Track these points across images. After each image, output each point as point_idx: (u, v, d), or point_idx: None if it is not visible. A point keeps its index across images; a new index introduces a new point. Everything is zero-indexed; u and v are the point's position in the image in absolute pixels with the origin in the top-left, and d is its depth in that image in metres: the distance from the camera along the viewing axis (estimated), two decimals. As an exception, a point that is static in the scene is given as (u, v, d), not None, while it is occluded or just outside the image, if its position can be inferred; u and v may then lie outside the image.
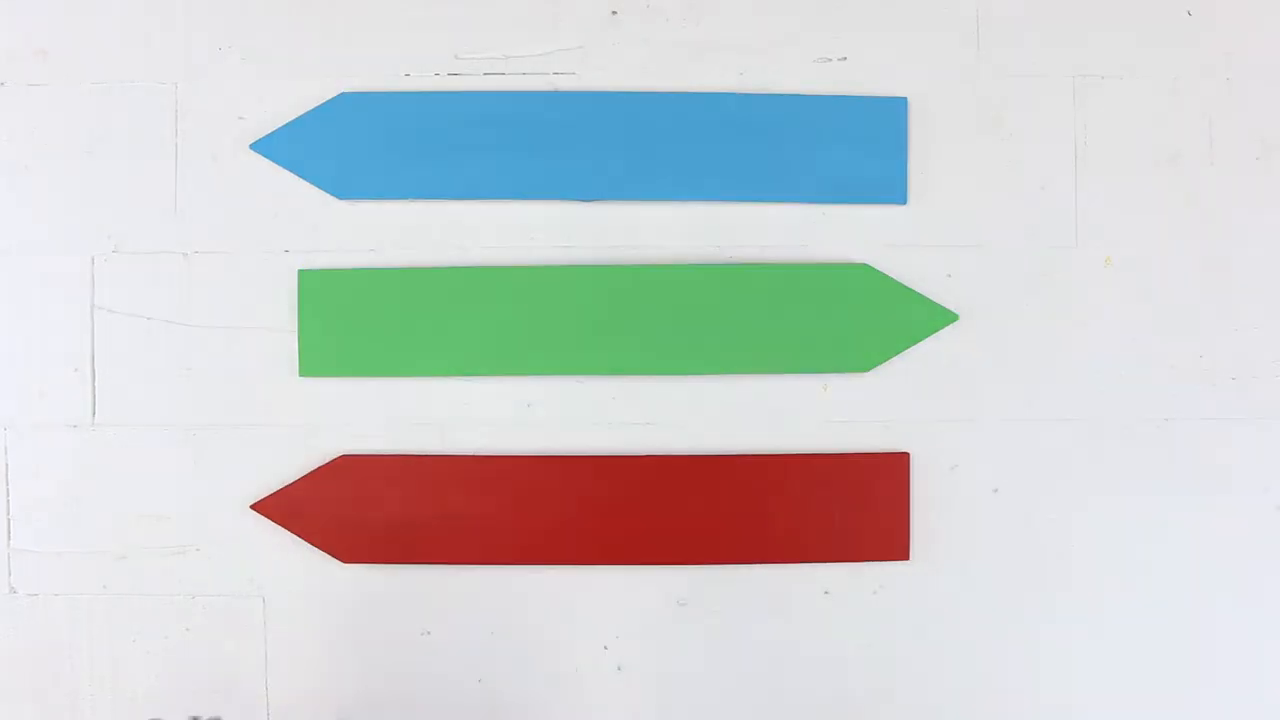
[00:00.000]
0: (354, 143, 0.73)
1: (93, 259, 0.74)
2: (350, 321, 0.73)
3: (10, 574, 0.74)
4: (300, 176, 0.74)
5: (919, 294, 0.74)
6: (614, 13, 0.74)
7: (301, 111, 0.73)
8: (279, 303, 0.74)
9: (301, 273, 0.73)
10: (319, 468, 0.73)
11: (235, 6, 0.74)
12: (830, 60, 0.74)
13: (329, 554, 0.73)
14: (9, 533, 0.74)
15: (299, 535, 0.73)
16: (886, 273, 0.74)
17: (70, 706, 0.74)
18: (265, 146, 0.73)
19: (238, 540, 0.74)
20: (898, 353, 0.74)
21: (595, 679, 0.74)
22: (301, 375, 0.74)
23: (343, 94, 0.73)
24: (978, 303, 0.74)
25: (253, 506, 0.73)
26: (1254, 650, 0.75)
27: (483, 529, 0.74)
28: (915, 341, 0.74)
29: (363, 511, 0.73)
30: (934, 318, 0.74)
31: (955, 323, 0.74)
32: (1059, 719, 0.75)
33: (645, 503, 0.74)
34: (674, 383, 0.74)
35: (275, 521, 0.73)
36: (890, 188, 0.74)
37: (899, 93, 0.74)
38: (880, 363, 0.74)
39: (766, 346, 0.73)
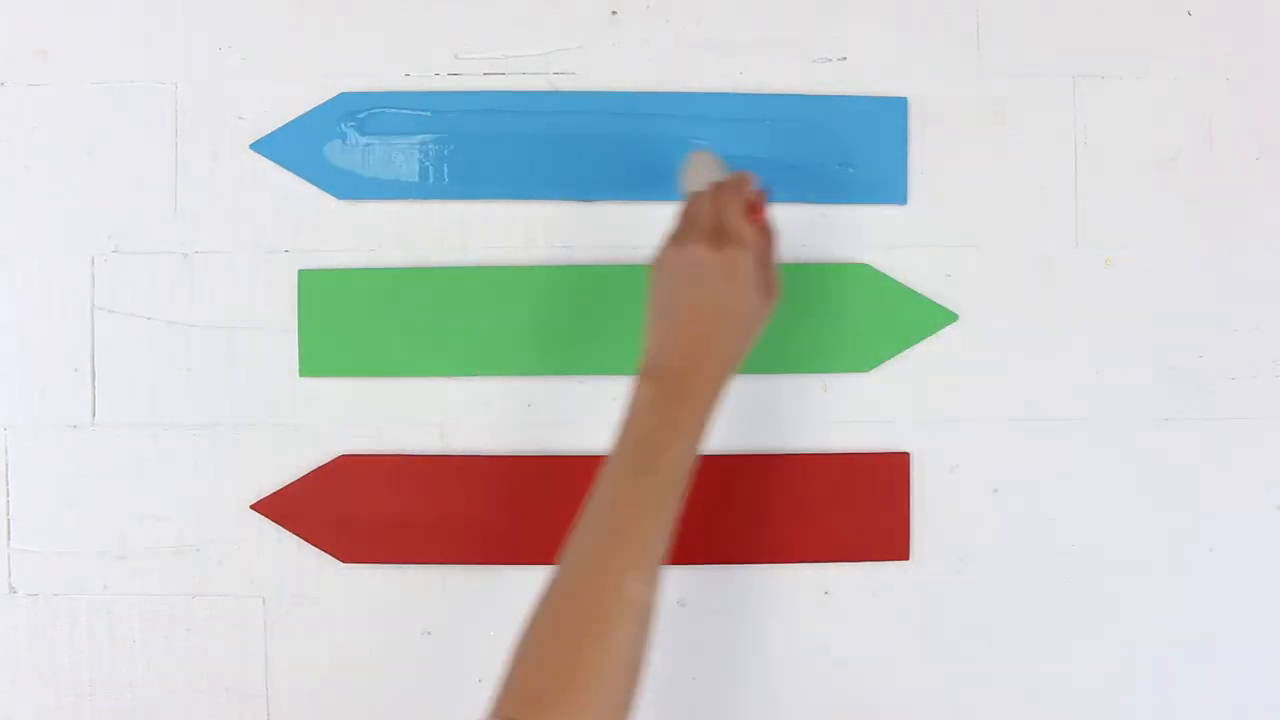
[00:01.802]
0: (354, 143, 0.73)
1: (93, 259, 0.74)
2: (350, 321, 0.73)
3: (10, 574, 0.74)
4: (300, 176, 0.74)
5: (919, 294, 0.74)
6: (614, 13, 0.74)
7: (301, 111, 0.73)
8: (279, 303, 0.74)
9: (301, 273, 0.73)
10: (319, 468, 0.73)
11: (235, 6, 0.74)
12: (830, 60, 0.74)
13: (329, 554, 0.73)
14: (9, 533, 0.74)
15: (299, 535, 0.73)
16: (886, 273, 0.74)
17: (70, 706, 0.74)
18: (265, 146, 0.73)
19: (238, 540, 0.74)
20: (898, 353, 0.74)
21: (595, 679, 0.74)
22: (301, 375, 0.74)
23: (343, 94, 0.73)
24: (978, 303, 0.74)
25: (253, 506, 0.73)
26: (1254, 650, 0.75)
27: (483, 529, 0.74)
28: (915, 341, 0.74)
29: (363, 511, 0.73)
30: (934, 318, 0.74)
31: (955, 323, 0.74)
32: (1059, 719, 0.75)
33: (645, 503, 0.73)
34: (674, 383, 0.74)
35: (275, 521, 0.73)
36: (890, 188, 0.74)
37: (899, 93, 0.74)
38: (880, 363, 0.74)
39: (766, 346, 0.73)
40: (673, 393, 0.59)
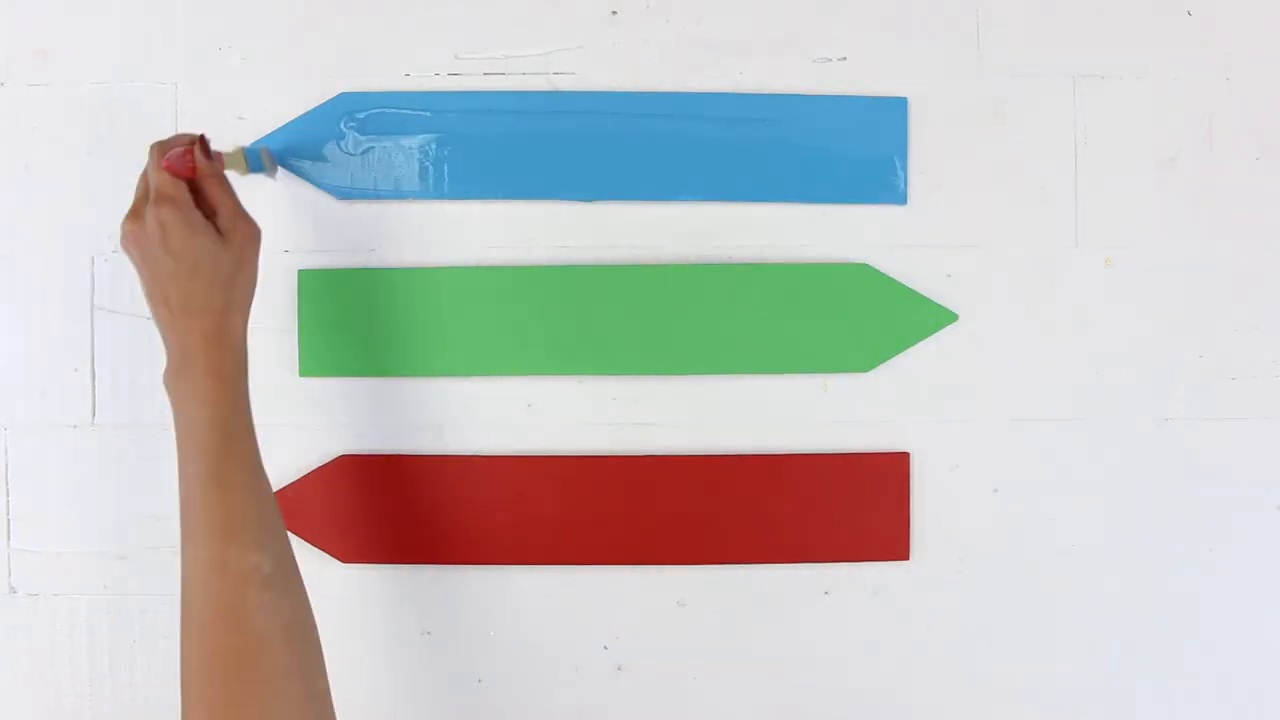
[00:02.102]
0: (354, 143, 0.73)
1: (93, 259, 0.74)
2: (350, 321, 0.73)
3: (10, 574, 0.74)
4: (300, 176, 0.74)
5: (919, 294, 0.74)
6: (614, 13, 0.74)
7: (301, 111, 0.73)
8: (279, 303, 0.74)
9: (301, 273, 0.73)
10: (319, 468, 0.73)
11: (235, 6, 0.74)
12: (830, 60, 0.74)
13: (329, 554, 0.73)
14: (9, 533, 0.74)
15: (299, 535, 0.73)
16: (886, 273, 0.74)
17: (70, 706, 0.74)
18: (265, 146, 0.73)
19: (238, 540, 0.74)
20: (898, 353, 0.74)
21: (595, 679, 0.74)
22: (301, 375, 0.74)
23: (343, 94, 0.73)
24: (978, 303, 0.74)
25: (253, 506, 0.73)
26: (1254, 650, 0.75)
27: (483, 529, 0.74)
28: (915, 341, 0.74)
29: (363, 511, 0.73)
30: (934, 318, 0.74)
31: (955, 323, 0.74)
32: (1059, 719, 0.75)
33: (645, 503, 0.74)
34: (674, 383, 0.74)
35: (275, 521, 0.73)
36: (890, 188, 0.74)
37: (899, 93, 0.74)
38: (880, 363, 0.74)
39: (766, 346, 0.73)
40: (168, 366, 0.61)
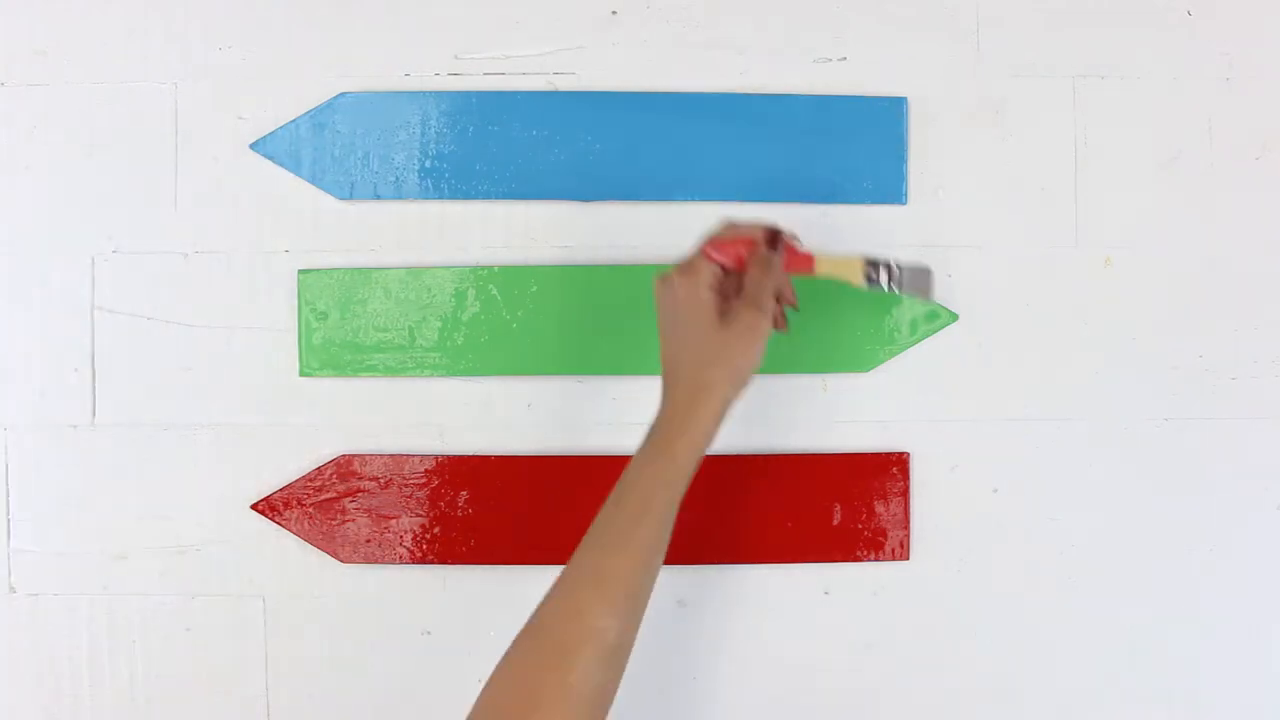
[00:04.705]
0: (354, 143, 0.73)
1: (93, 259, 0.74)
2: (350, 321, 0.73)
3: (10, 574, 0.74)
4: (300, 176, 0.74)
5: (919, 294, 0.74)
6: (614, 13, 0.74)
7: (301, 111, 0.73)
8: (279, 303, 0.74)
9: (301, 273, 0.73)
10: (319, 468, 0.73)
11: (235, 6, 0.74)
12: (830, 60, 0.74)
13: (329, 554, 0.73)
14: (9, 533, 0.74)
15: (299, 535, 0.73)
16: (886, 273, 0.74)
17: (70, 707, 0.74)
18: (265, 146, 0.73)
19: (238, 540, 0.74)
20: (898, 353, 0.74)
21: (595, 679, 0.74)
22: (301, 375, 0.74)
23: (343, 94, 0.73)
24: (978, 303, 0.74)
25: (253, 506, 0.73)
26: (1254, 650, 0.75)
27: (483, 529, 0.74)
28: (915, 341, 0.74)
29: (364, 511, 0.73)
30: (934, 318, 0.74)
31: (955, 323, 0.74)
32: (1058, 718, 0.75)
33: (645, 503, 0.73)
34: (674, 383, 0.74)
35: (275, 521, 0.73)
36: (890, 188, 0.74)
37: (899, 93, 0.74)
38: (880, 363, 0.74)
39: (766, 346, 0.73)
40: (653, 431, 0.62)
